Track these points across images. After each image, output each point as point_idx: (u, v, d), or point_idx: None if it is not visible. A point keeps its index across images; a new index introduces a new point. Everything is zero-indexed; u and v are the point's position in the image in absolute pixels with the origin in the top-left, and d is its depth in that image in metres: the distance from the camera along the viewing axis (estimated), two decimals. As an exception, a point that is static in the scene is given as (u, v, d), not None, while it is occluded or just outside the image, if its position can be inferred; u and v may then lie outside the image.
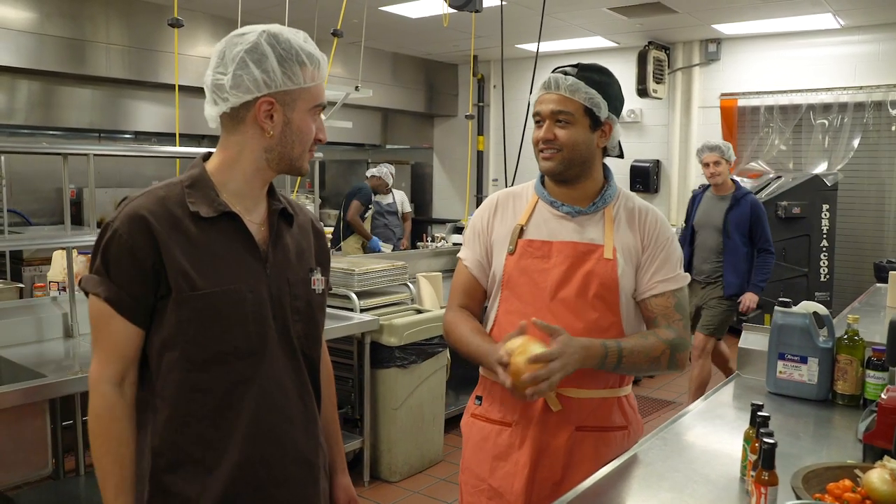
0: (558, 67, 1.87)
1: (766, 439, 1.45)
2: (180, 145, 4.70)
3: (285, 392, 1.48)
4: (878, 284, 4.64)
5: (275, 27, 1.43)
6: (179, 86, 4.41)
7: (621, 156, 1.97)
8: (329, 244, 1.73)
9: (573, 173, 1.84)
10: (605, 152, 1.92)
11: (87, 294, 1.39)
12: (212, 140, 8.84)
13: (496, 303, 1.89)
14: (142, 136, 8.25)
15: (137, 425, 1.41)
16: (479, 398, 1.96)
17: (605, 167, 1.93)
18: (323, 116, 1.50)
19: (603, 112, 1.81)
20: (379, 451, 4.01)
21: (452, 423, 4.67)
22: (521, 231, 1.87)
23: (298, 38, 1.43)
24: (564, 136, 1.80)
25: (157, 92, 7.32)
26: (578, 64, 1.86)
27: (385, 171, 7.93)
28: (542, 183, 1.93)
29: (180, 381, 1.38)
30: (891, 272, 3.93)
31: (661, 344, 1.81)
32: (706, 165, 4.98)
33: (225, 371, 1.40)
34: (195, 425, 1.39)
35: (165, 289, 1.36)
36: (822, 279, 7.39)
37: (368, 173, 8.05)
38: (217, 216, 1.40)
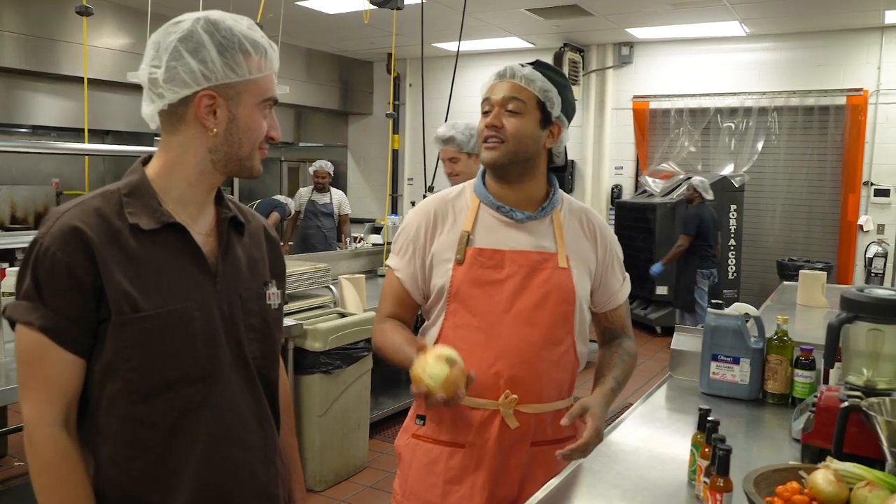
0: (520, 63, 1.77)
1: (720, 445, 1.44)
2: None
3: (241, 418, 1.35)
4: (785, 283, 4.81)
5: (215, 13, 1.28)
6: (82, 78, 4.16)
7: (565, 166, 1.90)
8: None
9: (516, 170, 1.74)
10: (551, 159, 1.83)
11: (13, 325, 1.21)
12: (116, 136, 8.44)
13: (441, 316, 1.77)
14: (40, 131, 7.80)
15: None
16: (420, 417, 1.81)
17: (548, 171, 1.84)
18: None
19: (555, 109, 1.73)
20: (303, 460, 3.88)
21: (376, 428, 4.59)
22: (468, 239, 1.75)
23: (241, 24, 1.28)
24: (512, 126, 1.69)
25: (56, 84, 6.93)
26: (536, 60, 1.78)
27: (320, 165, 7.49)
28: (484, 184, 1.81)
29: (124, 414, 1.24)
30: (801, 271, 4.08)
31: (633, 360, 1.88)
32: (444, 162, 4.21)
33: (173, 399, 1.26)
34: (141, 461, 1.25)
35: (106, 311, 1.20)
36: (731, 277, 7.66)
37: (311, 169, 7.56)
38: (159, 228, 1.26)
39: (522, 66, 1.73)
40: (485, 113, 1.75)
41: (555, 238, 1.77)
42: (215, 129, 1.27)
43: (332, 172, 7.57)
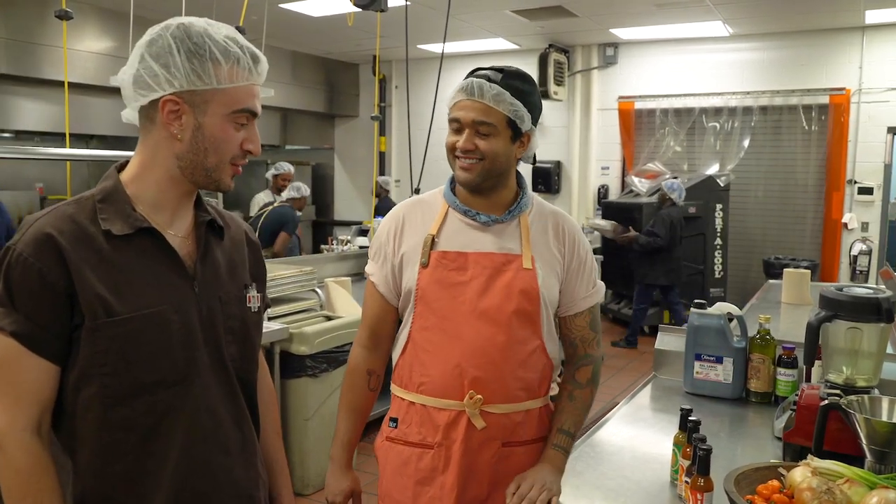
0: (479, 70, 1.74)
1: (701, 446, 1.45)
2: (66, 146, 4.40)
3: (219, 421, 1.35)
4: (770, 281, 4.84)
5: (196, 20, 1.28)
6: (64, 82, 4.13)
7: (534, 162, 1.92)
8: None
9: (489, 184, 1.75)
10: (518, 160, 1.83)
11: None
12: (100, 141, 8.40)
13: (410, 319, 1.78)
14: (23, 136, 7.74)
15: (59, 472, 1.25)
16: (393, 420, 1.83)
17: (518, 175, 1.85)
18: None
19: (526, 124, 1.72)
20: (291, 464, 3.85)
21: (363, 431, 4.57)
22: (433, 242, 1.76)
23: (219, 31, 1.27)
24: (485, 147, 1.69)
25: (39, 88, 6.86)
26: (503, 70, 1.73)
27: (288, 168, 7.17)
28: (453, 190, 1.83)
29: (100, 419, 1.23)
30: (785, 270, 4.10)
31: (588, 390, 1.83)
32: None
33: (150, 402, 1.26)
34: (118, 465, 1.25)
35: (80, 317, 1.20)
36: (717, 276, 7.70)
37: (277, 171, 7.17)
38: (133, 233, 1.26)
39: (488, 80, 1.69)
40: (455, 130, 1.73)
41: (520, 240, 1.77)
42: (180, 136, 1.27)
43: None
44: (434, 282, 1.74)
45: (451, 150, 1.73)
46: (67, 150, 3.68)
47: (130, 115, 1.30)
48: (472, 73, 1.75)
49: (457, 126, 1.72)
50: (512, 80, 1.71)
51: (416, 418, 1.77)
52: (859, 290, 1.82)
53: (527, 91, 1.73)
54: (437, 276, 1.74)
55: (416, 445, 1.77)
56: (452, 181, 1.83)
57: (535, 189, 8.88)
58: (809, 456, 1.58)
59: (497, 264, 1.74)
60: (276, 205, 6.65)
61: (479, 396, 1.70)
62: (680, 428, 1.65)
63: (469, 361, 1.71)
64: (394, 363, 1.85)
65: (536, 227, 1.81)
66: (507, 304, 1.72)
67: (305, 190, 6.89)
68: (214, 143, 1.28)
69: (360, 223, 9.07)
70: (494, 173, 1.74)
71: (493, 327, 1.72)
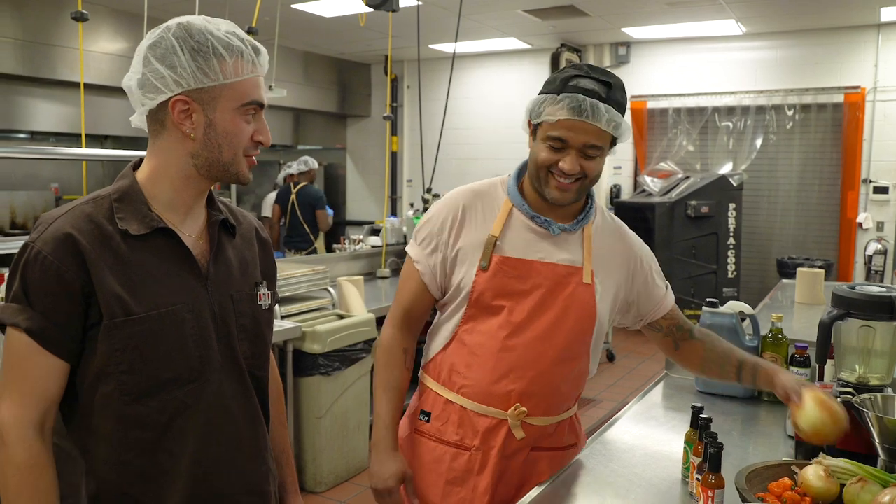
0: (579, 76, 1.59)
1: (712, 443, 1.45)
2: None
3: (233, 418, 1.36)
4: (783, 280, 4.82)
5: (195, 18, 1.28)
6: (79, 83, 4.16)
7: None
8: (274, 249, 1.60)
9: (577, 199, 1.69)
10: None
11: (1, 327, 1.23)
12: (115, 141, 8.46)
13: (457, 317, 1.72)
14: (38, 136, 7.81)
15: (71, 469, 1.27)
16: (425, 413, 1.78)
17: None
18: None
19: (624, 136, 1.62)
20: (303, 462, 3.89)
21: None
22: (495, 244, 1.68)
23: (219, 28, 1.28)
24: (591, 169, 1.60)
25: (54, 89, 6.92)
26: (609, 83, 1.59)
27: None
28: (521, 190, 1.73)
29: (117, 415, 1.25)
30: (799, 269, 4.08)
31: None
32: None
33: (165, 400, 1.27)
34: (134, 462, 1.27)
35: (97, 315, 1.22)
36: (730, 276, 7.66)
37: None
38: (150, 232, 1.27)
39: (595, 97, 1.56)
40: (554, 148, 1.60)
41: (583, 252, 1.71)
42: (193, 134, 1.28)
43: None
44: (492, 288, 1.67)
45: (546, 167, 1.62)
46: (83, 150, 3.71)
47: (139, 119, 1.32)
48: (570, 79, 1.59)
49: (559, 145, 1.59)
50: (616, 94, 1.60)
51: (455, 418, 1.73)
52: (872, 289, 1.82)
53: (624, 103, 1.64)
54: (496, 282, 1.67)
55: (452, 445, 1.74)
56: (519, 178, 1.75)
57: (547, 188, 8.85)
58: (821, 454, 1.58)
59: (559, 276, 1.68)
60: (296, 189, 7.33)
61: (524, 409, 1.68)
62: (691, 425, 1.65)
63: (519, 373, 1.67)
64: (430, 353, 1.80)
65: (600, 240, 1.76)
66: (564, 319, 1.68)
67: (313, 163, 7.46)
68: (227, 138, 1.29)
69: (372, 223, 9.09)
70: (586, 190, 1.68)
71: (546, 342, 1.67)
